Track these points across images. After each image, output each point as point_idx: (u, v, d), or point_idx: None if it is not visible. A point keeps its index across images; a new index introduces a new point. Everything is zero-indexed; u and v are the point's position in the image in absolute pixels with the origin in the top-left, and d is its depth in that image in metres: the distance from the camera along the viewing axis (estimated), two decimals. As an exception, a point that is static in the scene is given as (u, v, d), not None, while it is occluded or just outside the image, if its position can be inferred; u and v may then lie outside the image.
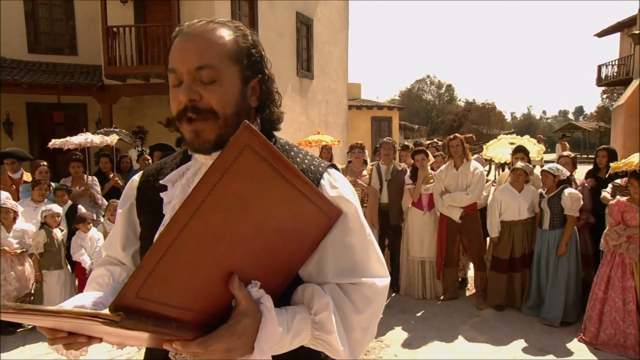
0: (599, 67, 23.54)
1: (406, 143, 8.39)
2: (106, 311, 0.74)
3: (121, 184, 6.22)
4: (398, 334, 4.49)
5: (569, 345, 4.17)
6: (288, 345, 0.91)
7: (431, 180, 5.34)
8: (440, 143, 7.98)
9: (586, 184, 5.07)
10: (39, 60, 11.50)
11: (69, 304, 0.91)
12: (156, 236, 1.03)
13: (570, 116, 78.15)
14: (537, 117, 79.92)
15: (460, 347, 4.22)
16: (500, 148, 7.42)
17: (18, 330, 4.53)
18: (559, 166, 4.76)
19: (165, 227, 0.73)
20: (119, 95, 11.19)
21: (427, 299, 5.39)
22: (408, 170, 5.59)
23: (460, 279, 5.68)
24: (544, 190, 4.77)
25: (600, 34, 23.46)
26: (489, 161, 11.26)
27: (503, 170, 11.08)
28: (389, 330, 4.56)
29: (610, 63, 22.65)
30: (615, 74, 22.11)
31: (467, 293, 5.63)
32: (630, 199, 4.00)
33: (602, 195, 4.65)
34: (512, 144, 6.94)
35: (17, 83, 10.26)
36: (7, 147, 7.53)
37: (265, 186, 0.79)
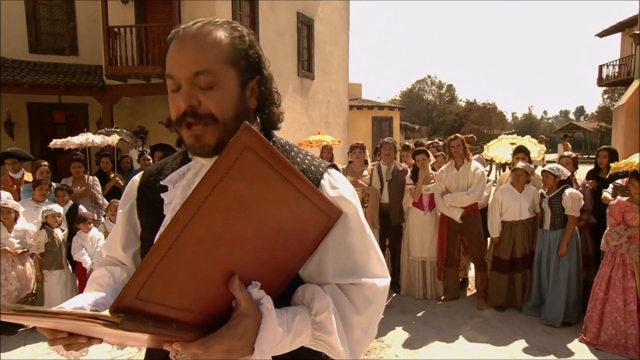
0: (600, 67, 23.53)
1: (407, 143, 8.39)
2: (106, 312, 0.74)
3: (122, 184, 6.23)
4: (399, 334, 4.49)
5: (569, 346, 4.17)
6: (288, 346, 0.91)
7: (432, 181, 5.34)
8: (441, 143, 7.97)
9: (587, 185, 5.06)
10: (40, 61, 11.51)
11: (69, 305, 0.91)
12: (156, 237, 1.03)
13: (571, 116, 78.13)
14: (538, 117, 79.88)
15: (461, 348, 4.22)
16: (501, 148, 7.41)
17: (19, 330, 4.54)
18: (560, 166, 4.76)
19: (165, 229, 0.73)
20: (119, 95, 11.20)
21: (427, 299, 5.39)
22: (409, 170, 5.59)
23: (461, 279, 5.68)
24: (544, 190, 4.77)
25: (601, 34, 23.43)
26: (490, 161, 11.25)
27: (504, 171, 11.08)
28: (389, 330, 4.56)
29: (611, 63, 22.64)
30: (616, 74, 22.10)
31: (468, 293, 5.63)
32: (631, 199, 4.00)
33: (603, 196, 4.65)
34: (512, 144, 6.94)
35: (18, 83, 10.27)
36: (8, 147, 7.53)
37: (265, 187, 0.79)
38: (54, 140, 6.44)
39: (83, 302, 0.94)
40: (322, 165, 1.06)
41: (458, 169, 5.14)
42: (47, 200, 5.23)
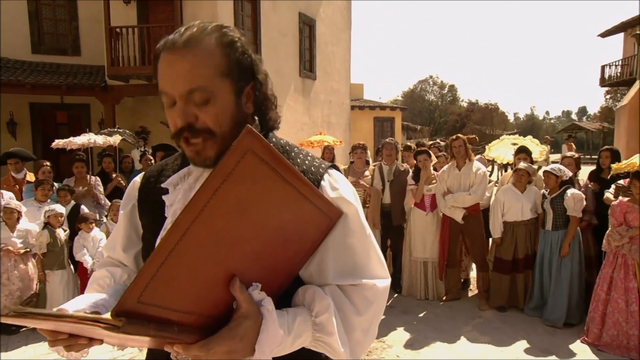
0: (603, 68, 23.49)
1: (408, 144, 8.38)
2: (107, 315, 0.74)
3: (124, 184, 6.24)
4: (400, 335, 4.48)
5: (571, 347, 4.16)
6: (289, 347, 0.91)
7: (434, 181, 5.33)
8: (442, 143, 7.96)
9: (590, 186, 5.05)
10: (42, 61, 11.54)
11: (70, 306, 0.91)
12: (158, 240, 1.03)
13: (574, 116, 78.00)
14: (540, 118, 79.73)
15: (463, 348, 4.22)
16: (502, 149, 7.41)
17: (21, 329, 4.54)
18: (562, 167, 4.75)
19: (166, 232, 0.73)
20: (121, 95, 11.23)
21: (429, 300, 5.38)
22: (410, 170, 5.59)
23: (462, 280, 5.68)
24: (546, 190, 4.76)
25: (604, 34, 23.38)
26: (492, 162, 11.25)
27: (506, 171, 11.07)
28: (391, 330, 4.56)
29: (614, 63, 22.59)
30: (618, 74, 22.05)
31: (470, 294, 5.62)
32: (633, 199, 3.99)
33: (605, 196, 4.64)
34: (514, 144, 6.93)
35: (21, 83, 10.30)
36: (11, 147, 7.55)
37: (266, 189, 0.79)
38: (56, 141, 6.46)
39: (84, 303, 0.94)
40: (323, 165, 1.06)
41: (460, 170, 5.13)
42: (49, 200, 5.24)
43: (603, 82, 23.97)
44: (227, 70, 0.96)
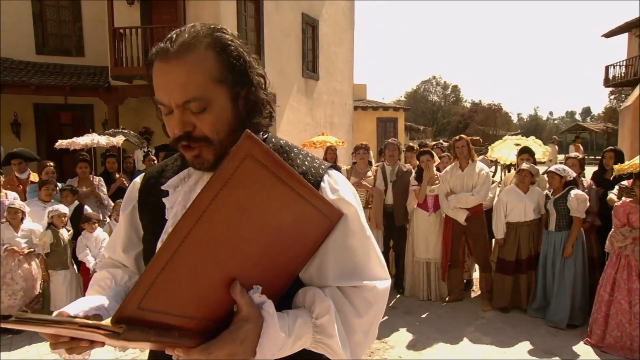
0: (607, 68, 23.41)
1: (411, 144, 8.38)
2: (108, 321, 0.74)
3: (127, 184, 6.26)
4: (402, 336, 4.48)
5: (574, 348, 4.15)
6: (289, 349, 0.91)
7: (436, 182, 5.33)
8: (445, 144, 7.95)
9: (593, 187, 5.03)
10: (46, 62, 11.59)
11: (71, 309, 0.90)
12: (158, 244, 1.04)
13: (578, 117, 77.75)
14: (544, 118, 79.56)
15: (465, 349, 4.21)
16: (505, 149, 7.40)
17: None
18: (566, 167, 4.74)
19: (166, 239, 0.73)
20: (125, 96, 11.26)
21: (432, 301, 5.37)
22: (413, 171, 5.58)
23: (465, 281, 5.67)
24: (549, 191, 4.75)
25: (608, 35, 23.30)
26: (495, 162, 11.23)
27: (509, 172, 11.05)
28: (393, 331, 4.56)
29: (618, 64, 22.51)
30: (622, 74, 21.97)
31: (472, 295, 5.61)
32: (636, 200, 3.98)
33: (608, 197, 4.63)
34: (517, 145, 6.92)
35: (25, 84, 10.34)
36: (15, 147, 7.59)
37: (266, 193, 0.80)
38: (60, 141, 6.48)
39: (85, 306, 0.94)
40: (322, 166, 1.06)
41: (463, 170, 5.12)
42: (53, 200, 5.27)
43: (607, 82, 23.89)
44: (221, 77, 0.96)
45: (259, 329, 0.84)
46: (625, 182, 4.55)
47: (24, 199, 5.47)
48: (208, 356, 0.81)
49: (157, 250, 0.76)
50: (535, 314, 4.82)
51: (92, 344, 0.86)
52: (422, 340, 4.38)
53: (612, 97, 36.90)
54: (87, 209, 5.32)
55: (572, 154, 5.85)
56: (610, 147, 5.66)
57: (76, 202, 5.36)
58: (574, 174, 4.75)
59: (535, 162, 5.34)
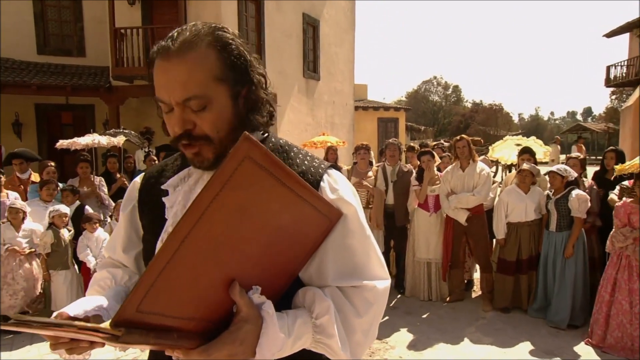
0: (608, 68, 23.36)
1: (412, 144, 8.38)
2: (107, 324, 0.74)
3: (128, 184, 6.26)
4: (403, 336, 4.48)
5: (575, 348, 4.14)
6: (289, 349, 0.91)
7: (437, 182, 5.32)
8: (446, 144, 7.95)
9: (595, 187, 5.02)
10: (47, 62, 11.60)
11: (71, 310, 0.91)
12: (158, 244, 1.04)
13: (579, 117, 77.63)
14: (545, 119, 79.50)
15: (466, 349, 4.21)
16: (506, 149, 7.40)
17: (26, 329, 4.57)
18: (567, 167, 4.74)
19: (166, 239, 0.73)
20: (126, 96, 11.26)
21: (432, 301, 5.37)
22: (414, 171, 5.58)
23: (466, 281, 5.67)
24: (551, 191, 4.75)
25: (609, 35, 23.25)
26: (496, 162, 11.23)
27: (510, 172, 11.04)
28: (394, 331, 4.56)
29: (619, 64, 22.46)
30: (624, 74, 21.92)
31: (473, 295, 5.61)
32: (636, 200, 3.97)
33: (609, 197, 4.62)
34: (518, 145, 6.91)
35: (26, 84, 10.36)
36: (16, 147, 7.60)
37: (265, 194, 0.80)
38: (60, 141, 6.49)
39: (85, 306, 0.94)
40: (322, 166, 1.06)
41: (463, 170, 5.12)
42: (54, 200, 5.27)
43: (608, 82, 23.84)
44: (222, 75, 0.96)
45: (258, 330, 0.84)
46: (626, 183, 4.54)
47: (25, 199, 5.48)
48: (208, 357, 0.81)
49: (157, 250, 0.76)
50: (536, 315, 4.82)
51: (92, 344, 0.86)
52: (423, 340, 4.38)
53: (613, 97, 36.91)
54: (88, 209, 5.32)
55: (574, 154, 5.84)
56: (611, 148, 5.66)
57: (77, 202, 5.37)
58: (576, 174, 4.75)
59: (536, 162, 5.33)
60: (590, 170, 6.34)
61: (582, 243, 4.61)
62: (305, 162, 1.06)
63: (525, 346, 4.22)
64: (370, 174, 5.61)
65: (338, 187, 1.02)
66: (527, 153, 5.44)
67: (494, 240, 5.33)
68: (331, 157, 6.71)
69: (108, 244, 1.26)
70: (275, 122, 1.15)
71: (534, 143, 6.80)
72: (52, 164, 5.95)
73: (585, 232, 4.67)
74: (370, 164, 5.83)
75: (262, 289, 0.88)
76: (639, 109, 11.53)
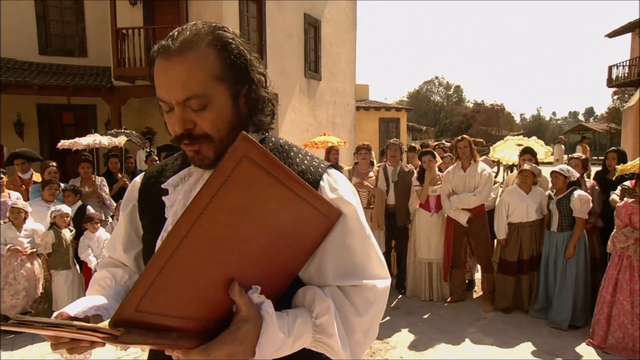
0: (610, 68, 23.31)
1: (413, 144, 8.38)
2: (106, 323, 0.74)
3: (129, 184, 6.27)
4: (404, 336, 4.48)
5: (577, 349, 4.14)
6: (289, 348, 0.91)
7: (438, 182, 5.32)
8: (447, 144, 7.94)
9: (596, 187, 5.01)
10: (49, 62, 11.63)
11: (71, 309, 0.91)
12: (157, 243, 1.04)
13: (581, 117, 77.54)
14: (547, 119, 79.39)
15: (467, 350, 4.21)
16: (507, 149, 7.39)
17: (27, 329, 4.58)
18: (570, 167, 4.73)
19: (166, 237, 0.73)
20: (127, 96, 11.29)
21: (433, 301, 5.37)
22: (415, 171, 5.58)
23: (467, 281, 5.66)
24: (552, 191, 4.74)
25: (611, 35, 23.21)
26: (497, 163, 11.22)
27: (512, 172, 11.03)
28: (395, 332, 4.55)
29: (621, 64, 22.41)
30: (626, 74, 21.87)
31: (474, 295, 5.61)
32: (637, 200, 3.96)
33: (610, 198, 4.62)
34: (519, 145, 6.90)
35: (28, 84, 10.39)
36: (18, 147, 7.62)
37: (264, 194, 0.80)
38: (62, 141, 6.51)
39: (85, 306, 0.94)
40: (322, 165, 1.06)
41: (465, 171, 5.12)
42: (56, 200, 5.28)
43: (610, 82, 23.79)
44: (222, 75, 0.96)
45: (258, 329, 0.84)
46: (627, 183, 4.54)
47: (26, 199, 5.49)
48: (207, 357, 0.81)
49: (156, 249, 0.76)
50: (537, 315, 4.81)
51: (93, 344, 0.86)
52: (424, 340, 4.37)
53: (615, 97, 36.84)
54: (90, 209, 5.33)
55: (575, 154, 5.83)
56: (613, 148, 5.65)
57: (79, 202, 5.38)
58: (578, 175, 4.74)
59: (537, 163, 5.33)
60: (594, 171, 6.33)
61: (584, 243, 4.60)
62: (305, 161, 1.06)
63: (527, 346, 4.22)
64: (371, 174, 5.61)
65: (338, 187, 1.02)
66: (528, 153, 5.43)
67: (495, 240, 5.32)
68: (333, 157, 6.72)
69: (108, 244, 1.27)
70: (276, 122, 1.15)
71: (534, 143, 6.79)
72: (54, 164, 5.96)
73: (586, 232, 4.67)
74: (372, 164, 5.82)
75: (262, 288, 0.88)
76: (640, 109, 11.53)
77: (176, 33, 0.96)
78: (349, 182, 1.09)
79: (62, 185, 5.56)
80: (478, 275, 5.77)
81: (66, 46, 12.18)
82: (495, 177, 9.88)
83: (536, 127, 61.89)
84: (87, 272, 4.95)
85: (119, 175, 6.63)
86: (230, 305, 0.85)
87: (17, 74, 10.66)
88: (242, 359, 0.84)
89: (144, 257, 1.17)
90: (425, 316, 4.99)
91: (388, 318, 4.87)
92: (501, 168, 15.91)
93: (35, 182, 5.95)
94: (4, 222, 4.69)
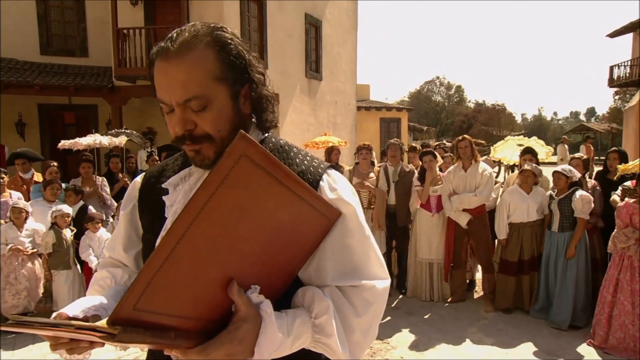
0: (611, 68, 23.28)
1: (414, 144, 8.37)
2: (104, 322, 0.74)
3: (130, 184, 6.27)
4: (405, 336, 4.48)
5: (577, 349, 4.13)
6: (288, 348, 0.91)
7: (439, 182, 5.32)
8: (448, 144, 7.94)
9: (597, 187, 5.01)
10: (50, 62, 11.64)
11: (70, 310, 0.91)
12: (156, 243, 1.04)
13: (582, 117, 77.43)
14: (548, 119, 79.30)
15: (467, 350, 4.20)
16: (508, 149, 7.38)
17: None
18: (572, 168, 4.73)
19: (164, 236, 0.73)
20: (128, 96, 11.29)
21: (434, 301, 5.37)
22: (416, 171, 5.58)
23: (467, 281, 5.66)
24: (553, 191, 4.74)
25: (613, 35, 23.17)
26: (498, 163, 11.21)
27: (513, 172, 11.02)
28: (395, 332, 4.55)
29: (623, 64, 22.38)
30: (627, 74, 21.83)
31: (475, 295, 5.60)
32: (638, 201, 3.96)
33: (611, 198, 4.61)
34: (520, 145, 6.90)
35: (30, 84, 10.41)
36: (20, 147, 7.64)
37: (262, 193, 0.80)
38: (62, 142, 6.53)
39: (84, 306, 0.94)
40: (322, 166, 1.06)
41: (466, 171, 5.11)
42: (57, 200, 5.29)
43: (612, 82, 23.75)
44: (221, 75, 0.97)
45: (257, 329, 0.84)
46: (628, 183, 4.53)
47: (27, 199, 5.50)
48: (206, 356, 0.81)
49: (153, 250, 0.76)
50: (538, 315, 4.81)
51: (92, 344, 0.86)
52: (424, 340, 4.37)
53: (616, 97, 36.79)
54: (92, 209, 5.34)
55: (577, 154, 5.82)
56: (614, 148, 5.64)
57: (81, 202, 5.38)
58: (579, 175, 4.74)
59: (538, 163, 5.33)
60: (596, 171, 6.32)
61: (584, 244, 4.60)
62: (305, 162, 1.06)
63: (527, 347, 4.22)
64: (372, 174, 5.61)
65: (337, 187, 1.02)
66: (529, 153, 5.43)
67: (496, 240, 5.31)
68: (335, 157, 6.71)
69: (109, 244, 1.27)
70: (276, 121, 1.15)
71: (535, 143, 6.78)
72: (55, 164, 5.97)
73: (587, 232, 4.66)
74: (372, 164, 5.82)
75: (261, 288, 0.88)
76: (642, 109, 11.51)
77: (175, 34, 0.97)
78: (349, 182, 1.09)
79: (64, 185, 5.57)
80: (479, 276, 5.76)
81: (67, 46, 12.19)
82: (497, 177, 9.88)
83: (537, 127, 61.82)
84: (88, 272, 4.95)
85: (120, 175, 6.63)
86: (229, 304, 0.85)
87: (18, 74, 10.68)
88: (240, 359, 0.84)
89: (143, 256, 1.17)
90: (426, 316, 4.99)
91: (389, 318, 4.87)
92: (502, 168, 15.89)
93: (36, 182, 5.96)
94: (5, 222, 4.70)
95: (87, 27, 12.20)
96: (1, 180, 5.11)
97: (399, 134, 19.96)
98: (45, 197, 5.26)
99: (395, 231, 5.57)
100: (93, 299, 0.98)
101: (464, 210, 5.06)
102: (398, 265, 5.76)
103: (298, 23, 13.79)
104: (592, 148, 14.58)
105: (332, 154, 6.80)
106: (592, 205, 4.51)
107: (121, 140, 7.01)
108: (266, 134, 1.11)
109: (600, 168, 5.97)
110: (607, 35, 23.39)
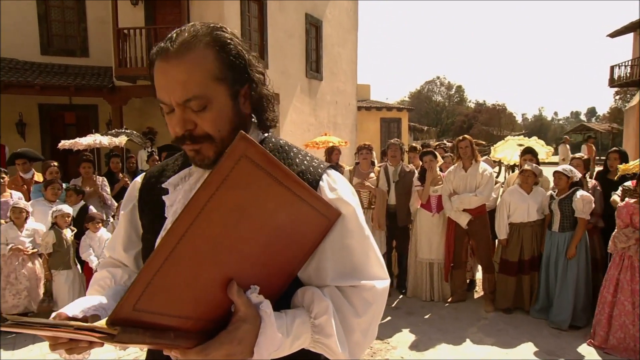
0: (612, 68, 23.27)
1: (414, 144, 8.37)
2: (103, 322, 0.74)
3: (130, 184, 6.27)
4: (405, 336, 4.48)
5: (578, 349, 4.13)
6: (288, 348, 0.91)
7: (440, 182, 5.32)
8: (449, 144, 7.93)
9: (598, 188, 5.01)
10: (51, 62, 11.65)
11: (70, 310, 0.91)
12: (156, 243, 1.05)
13: (583, 117, 77.38)
14: (549, 119, 79.27)
15: (468, 350, 4.20)
16: (508, 150, 7.38)
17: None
18: (573, 168, 4.72)
19: (164, 236, 0.73)
20: (129, 96, 11.30)
21: (434, 301, 5.37)
22: (416, 171, 5.57)
23: (468, 281, 5.65)
24: (554, 191, 4.74)
25: (613, 35, 23.16)
26: (499, 163, 11.20)
27: (513, 172, 11.01)
28: (395, 332, 4.55)
29: (623, 64, 22.37)
30: (628, 74, 21.82)
31: (475, 295, 5.60)
32: (638, 201, 3.96)
33: (611, 198, 4.61)
34: (520, 145, 6.90)
35: (30, 84, 10.41)
36: (20, 147, 7.64)
37: (262, 193, 0.80)
38: (63, 142, 6.53)
39: (84, 306, 0.94)
40: (322, 166, 1.06)
41: (466, 171, 5.11)
42: (58, 200, 5.30)
43: (612, 82, 23.74)
44: (221, 75, 0.97)
45: (256, 329, 0.84)
46: (628, 183, 4.53)
47: (28, 199, 5.50)
48: (205, 357, 0.81)
49: (153, 250, 0.77)
50: (538, 315, 4.81)
51: (92, 344, 0.86)
52: (425, 340, 4.37)
53: (617, 97, 36.76)
54: (92, 209, 5.34)
55: (578, 154, 5.81)
56: (614, 148, 5.64)
57: (81, 202, 5.39)
58: (580, 175, 4.74)
59: (538, 163, 5.32)
60: (597, 171, 6.31)
61: (585, 244, 4.60)
62: (305, 162, 1.06)
63: (527, 347, 4.22)
64: (372, 174, 5.61)
65: (337, 187, 1.02)
66: (529, 153, 5.43)
67: (496, 240, 5.31)
68: (335, 157, 6.71)
69: (109, 243, 1.27)
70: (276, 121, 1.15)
71: (535, 143, 6.78)
72: (55, 163, 5.97)
73: (587, 232, 4.66)
74: (373, 164, 5.82)
75: (261, 288, 0.88)
76: (643, 109, 11.50)
77: (174, 35, 0.97)
78: (349, 182, 1.09)
79: (65, 185, 5.57)
80: (479, 276, 5.76)
81: (68, 46, 12.20)
82: (497, 177, 9.87)
83: (538, 127, 61.79)
84: (88, 272, 4.96)
85: (120, 175, 6.64)
86: (229, 305, 0.85)
87: (18, 74, 10.69)
88: (240, 359, 0.84)
89: (143, 256, 1.17)
90: (426, 316, 4.99)
91: (389, 318, 4.87)
92: (502, 168, 15.87)
93: (36, 182, 5.97)
94: (5, 222, 4.70)
95: (87, 27, 12.21)
96: (2, 180, 5.11)
97: (399, 134, 19.95)
98: (45, 197, 5.26)
99: (396, 231, 5.57)
100: (93, 299, 0.98)
101: (464, 210, 5.06)
102: (398, 265, 5.76)
103: (298, 23, 13.79)
104: (594, 148, 14.54)
105: (332, 154, 6.79)
106: (593, 205, 4.51)
107: (121, 140, 7.01)
108: (266, 134, 1.11)
109: (601, 168, 5.96)
110: (608, 35, 23.38)
